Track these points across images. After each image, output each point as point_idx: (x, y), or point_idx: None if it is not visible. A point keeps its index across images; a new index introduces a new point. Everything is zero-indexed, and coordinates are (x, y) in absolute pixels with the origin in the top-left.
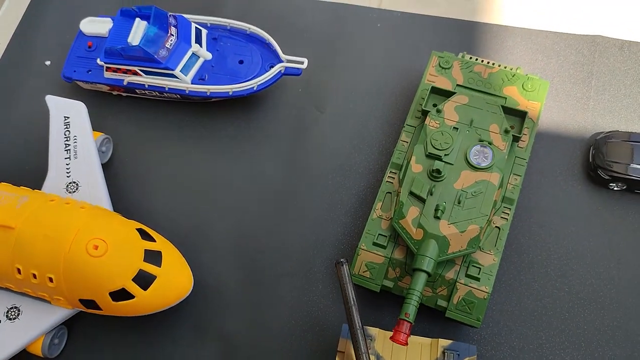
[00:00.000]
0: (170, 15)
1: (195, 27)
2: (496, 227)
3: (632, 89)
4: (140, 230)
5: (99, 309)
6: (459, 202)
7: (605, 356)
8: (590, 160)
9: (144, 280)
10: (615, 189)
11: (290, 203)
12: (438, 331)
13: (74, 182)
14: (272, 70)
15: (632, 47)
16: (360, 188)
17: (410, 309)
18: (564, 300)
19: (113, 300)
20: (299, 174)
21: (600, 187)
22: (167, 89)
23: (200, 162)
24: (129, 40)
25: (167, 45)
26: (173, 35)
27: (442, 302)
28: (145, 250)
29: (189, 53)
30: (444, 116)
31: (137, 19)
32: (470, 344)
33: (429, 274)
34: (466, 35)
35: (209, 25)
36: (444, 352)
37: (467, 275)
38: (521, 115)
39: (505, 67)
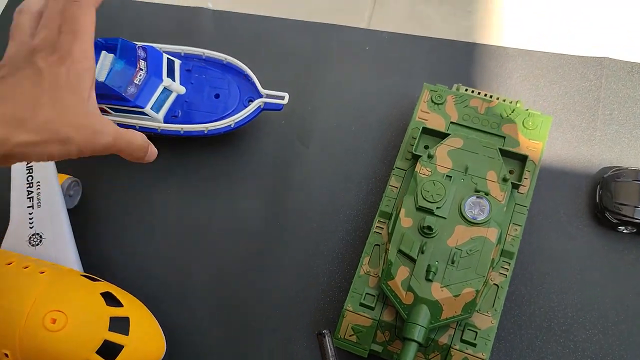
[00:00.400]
0: (139, 47)
1: (168, 59)
2: (494, 284)
3: None
4: (105, 295)
5: None
6: (452, 262)
7: None
8: (597, 200)
9: (109, 351)
10: (625, 231)
11: (272, 248)
12: None
13: (38, 234)
14: (251, 106)
15: None
16: (348, 231)
17: None
18: (568, 358)
19: None
20: (282, 215)
21: (609, 229)
22: (137, 128)
23: (176, 204)
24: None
25: (136, 80)
26: (142, 69)
27: None
28: (110, 318)
29: (160, 88)
30: (436, 162)
31: (103, 52)
32: None
33: (420, 344)
34: (462, 58)
35: (182, 54)
36: None
37: (463, 341)
38: (521, 158)
39: (504, 100)
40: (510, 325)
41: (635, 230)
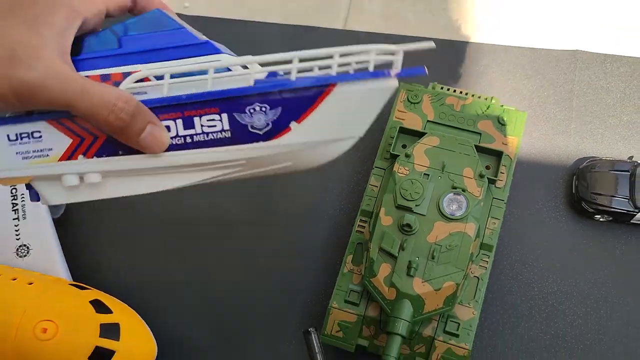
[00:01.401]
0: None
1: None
2: (475, 277)
3: (616, 109)
4: (94, 302)
5: None
6: (432, 257)
7: None
8: (574, 191)
9: (101, 357)
10: (601, 220)
11: (256, 249)
12: None
13: (25, 245)
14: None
15: (614, 61)
16: (332, 231)
17: None
18: (550, 345)
19: None
20: (265, 216)
21: (586, 218)
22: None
23: (161, 206)
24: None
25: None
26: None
27: None
28: (100, 324)
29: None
30: (413, 161)
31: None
32: None
33: (403, 337)
34: (438, 54)
35: None
36: None
37: (446, 332)
38: (497, 154)
39: (480, 97)
40: (492, 314)
41: (611, 218)
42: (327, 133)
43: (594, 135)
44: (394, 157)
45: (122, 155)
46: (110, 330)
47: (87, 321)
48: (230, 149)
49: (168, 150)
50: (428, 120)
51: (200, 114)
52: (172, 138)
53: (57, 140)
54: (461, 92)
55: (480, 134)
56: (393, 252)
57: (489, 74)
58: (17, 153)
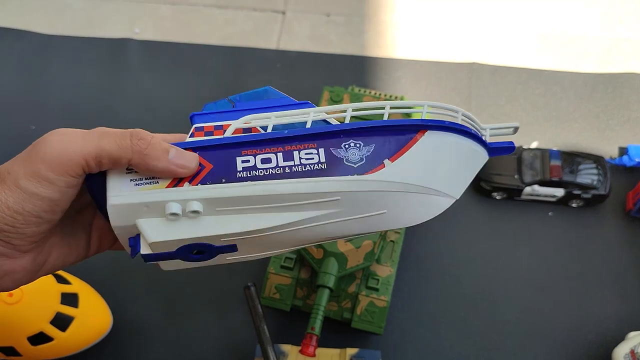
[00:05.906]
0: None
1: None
2: (390, 241)
3: (506, 108)
4: (55, 275)
5: (19, 354)
6: None
7: (499, 346)
8: None
9: (62, 322)
10: (498, 197)
11: None
12: (347, 341)
13: None
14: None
15: (502, 71)
16: None
17: (316, 323)
18: (460, 302)
19: (32, 344)
20: None
21: (485, 197)
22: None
23: None
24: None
25: None
26: None
27: (347, 315)
28: (61, 293)
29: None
30: None
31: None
32: (375, 350)
33: (331, 290)
34: (358, 69)
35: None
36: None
37: (368, 287)
38: None
39: (391, 96)
40: (411, 281)
41: (505, 195)
42: (421, 178)
43: None
44: None
45: (224, 182)
46: (70, 299)
47: (49, 289)
48: (324, 179)
49: (267, 178)
50: None
51: (300, 148)
52: (272, 168)
53: None
54: (375, 93)
55: None
56: None
57: (400, 84)
58: (130, 180)
